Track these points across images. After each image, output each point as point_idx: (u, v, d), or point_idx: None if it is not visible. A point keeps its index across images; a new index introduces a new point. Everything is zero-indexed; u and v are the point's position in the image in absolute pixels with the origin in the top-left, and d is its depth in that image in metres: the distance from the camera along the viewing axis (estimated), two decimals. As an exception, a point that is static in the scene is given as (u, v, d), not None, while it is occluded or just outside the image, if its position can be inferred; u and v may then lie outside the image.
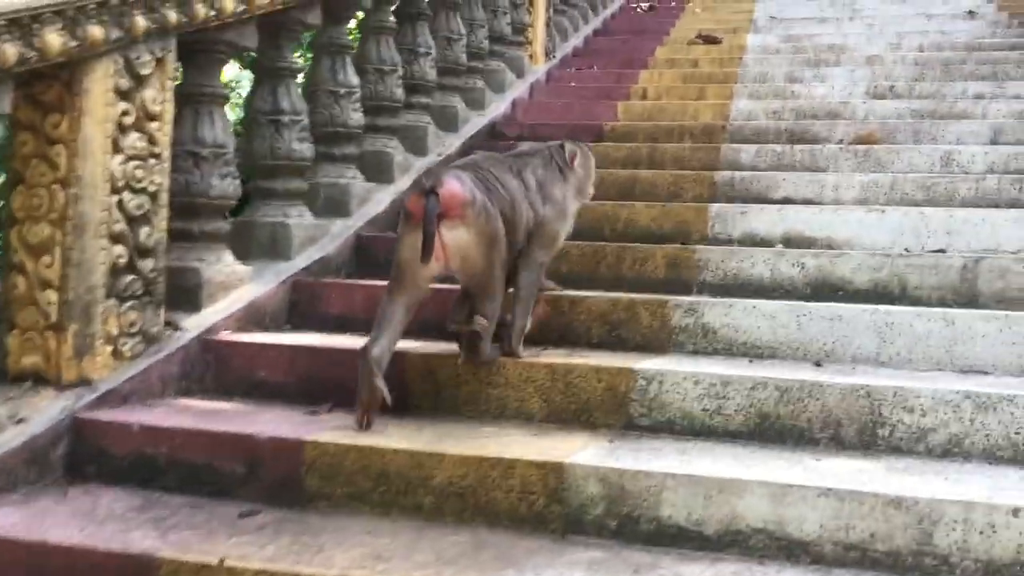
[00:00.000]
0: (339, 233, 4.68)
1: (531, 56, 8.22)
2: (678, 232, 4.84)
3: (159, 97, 3.52)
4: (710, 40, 9.10)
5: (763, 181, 5.23)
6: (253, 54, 4.47)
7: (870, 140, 5.71)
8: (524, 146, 4.18)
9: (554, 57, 8.57)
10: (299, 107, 4.48)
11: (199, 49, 3.93)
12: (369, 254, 4.74)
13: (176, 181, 3.86)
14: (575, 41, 9.31)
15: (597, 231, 4.93)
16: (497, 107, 6.92)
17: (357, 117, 4.98)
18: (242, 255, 4.25)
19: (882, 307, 3.70)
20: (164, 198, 3.60)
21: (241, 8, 3.86)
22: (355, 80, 4.99)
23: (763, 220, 4.76)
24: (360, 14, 5.47)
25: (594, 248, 4.47)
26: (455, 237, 3.21)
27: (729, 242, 4.76)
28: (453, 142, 6.12)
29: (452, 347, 3.64)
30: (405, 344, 3.71)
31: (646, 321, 3.88)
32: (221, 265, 3.96)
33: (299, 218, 4.45)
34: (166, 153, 3.59)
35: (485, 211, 3.26)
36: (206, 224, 3.96)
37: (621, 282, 4.41)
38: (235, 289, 3.99)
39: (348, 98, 4.94)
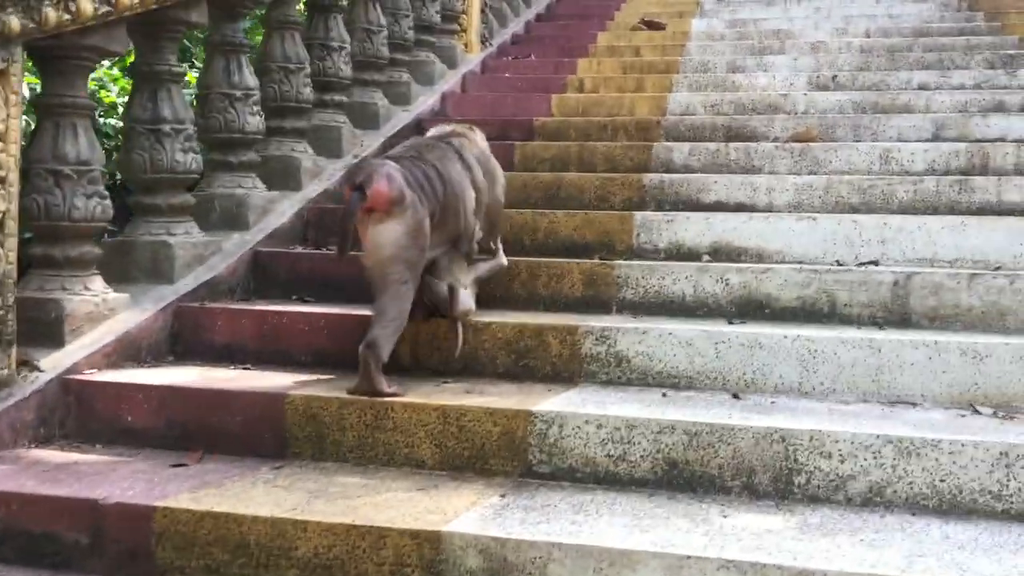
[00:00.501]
0: (233, 250, 4.32)
1: (466, 45, 7.86)
2: (601, 243, 4.54)
3: (0, 114, 3.15)
4: (653, 26, 8.79)
5: (694, 184, 4.93)
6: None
7: (807, 138, 5.43)
8: (441, 128, 4.08)
9: (491, 45, 8.22)
10: (182, 115, 4.11)
11: (58, 56, 3.55)
12: (269, 272, 4.39)
13: (34, 203, 3.50)
14: (515, 27, 8.97)
15: (516, 242, 4.62)
16: (425, 101, 6.57)
17: (255, 121, 4.62)
18: (120, 279, 3.90)
19: (805, 332, 3.42)
20: (11, 226, 3.23)
21: (104, 10, 3.48)
22: (252, 81, 4.63)
23: (690, 229, 4.46)
24: (260, 10, 5.07)
25: (509, 264, 4.15)
26: (379, 230, 3.26)
27: (655, 252, 4.47)
28: (373, 142, 5.77)
29: (339, 386, 3.32)
30: (284, 380, 3.39)
31: (555, 349, 3.57)
32: (88, 294, 3.60)
33: (185, 236, 4.10)
34: (12, 176, 3.22)
35: (412, 207, 3.29)
36: (71, 249, 3.60)
37: (536, 301, 4.11)
38: (105, 320, 3.63)
39: (245, 101, 4.58)
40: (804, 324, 3.77)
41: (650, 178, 5.01)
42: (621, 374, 3.52)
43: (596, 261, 4.11)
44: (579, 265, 4.09)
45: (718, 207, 4.85)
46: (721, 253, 4.40)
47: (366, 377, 3.21)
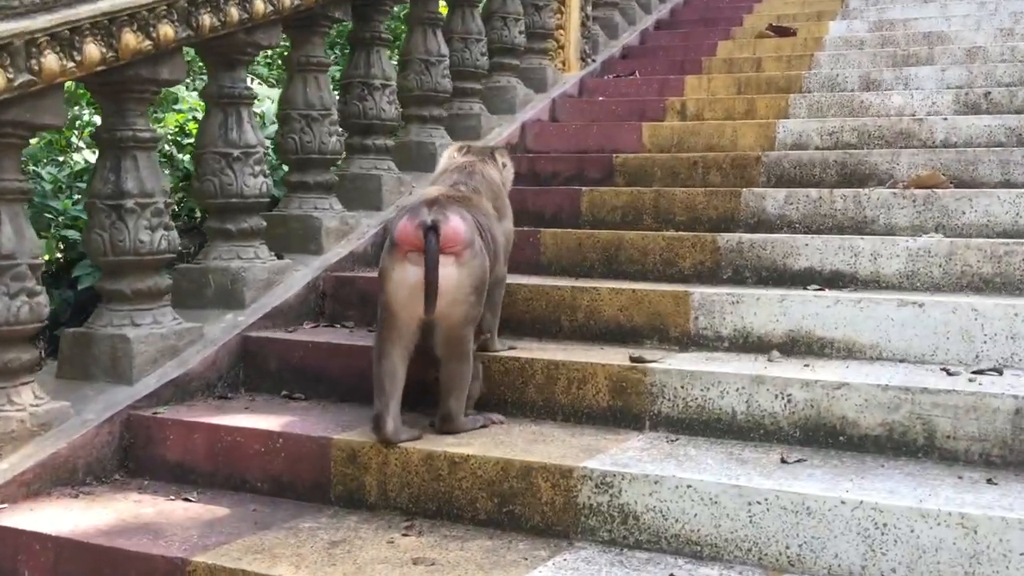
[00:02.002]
0: (218, 337, 3.76)
1: (563, 63, 7.10)
2: (652, 327, 3.72)
3: None
4: (782, 32, 7.73)
5: (780, 246, 4.01)
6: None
7: (931, 183, 4.39)
8: (456, 161, 3.60)
9: (593, 62, 7.41)
10: (148, 187, 3.57)
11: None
12: (258, 362, 3.81)
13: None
14: (629, 38, 8.10)
15: (551, 321, 3.87)
16: (500, 134, 5.85)
17: (257, 183, 4.05)
18: (81, 378, 3.42)
19: (871, 499, 2.50)
20: None
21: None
22: (253, 139, 4.07)
23: (760, 313, 3.57)
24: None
25: (521, 364, 3.40)
26: (448, 275, 2.91)
27: (717, 341, 3.61)
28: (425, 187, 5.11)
29: (273, 544, 2.68)
30: (207, 529, 2.76)
31: (546, 495, 2.80)
32: (11, 409, 3.10)
33: (152, 326, 3.56)
34: None
35: (481, 255, 3.03)
36: (-6, 356, 3.10)
37: (553, 410, 3.36)
38: (33, 439, 3.13)
39: (245, 160, 4.02)
40: (892, 457, 2.86)
41: (727, 239, 4.12)
42: (627, 533, 2.71)
43: (626, 364, 3.29)
44: (604, 368, 3.29)
45: (808, 277, 3.92)
46: (799, 344, 3.49)
47: None
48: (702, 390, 3.15)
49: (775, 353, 3.44)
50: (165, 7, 3.45)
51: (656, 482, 2.68)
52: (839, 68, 6.57)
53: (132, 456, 3.36)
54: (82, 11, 3.15)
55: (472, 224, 3.03)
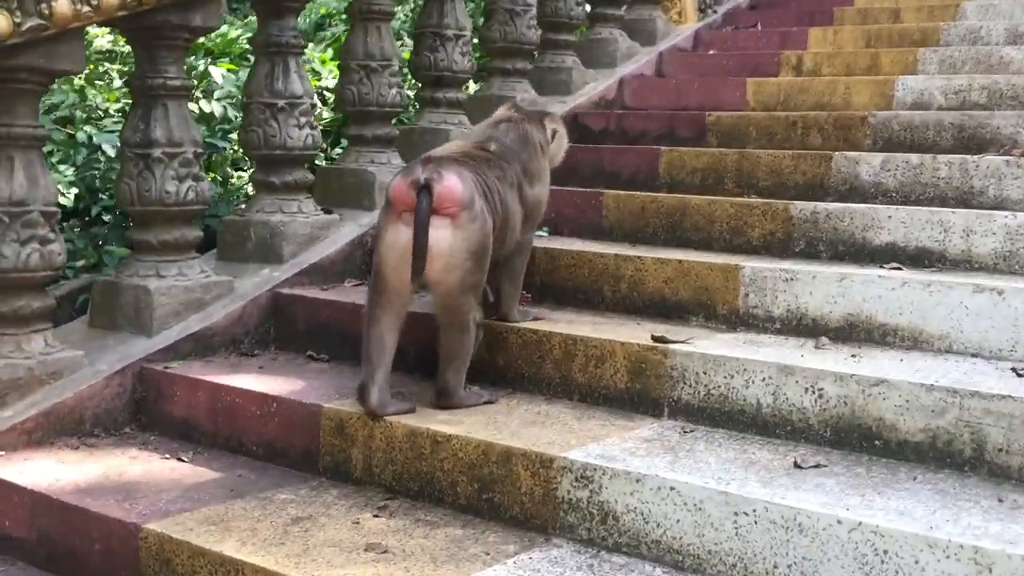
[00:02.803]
0: (247, 292, 3.68)
1: (678, 14, 6.70)
2: (698, 303, 3.39)
3: None
4: (930, -21, 6.99)
5: (860, 218, 3.58)
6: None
7: (1051, 152, 3.82)
8: (502, 114, 3.33)
9: (714, 12, 6.95)
10: (177, 137, 3.50)
11: None
12: (287, 319, 3.71)
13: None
14: (764, -17, 7.52)
15: (594, 291, 3.60)
16: (593, 88, 5.54)
17: (302, 134, 3.93)
18: (108, 328, 3.42)
19: (872, 521, 2.14)
20: None
21: None
22: (299, 89, 3.96)
23: (816, 293, 3.18)
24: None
25: (539, 337, 3.16)
26: (440, 239, 2.68)
27: (768, 321, 3.25)
28: (502, 144, 4.88)
29: (236, 516, 2.57)
30: (181, 494, 2.68)
31: (525, 485, 2.57)
32: (19, 356, 3.11)
33: (176, 278, 3.51)
34: None
35: (482, 217, 2.78)
36: (2, 304, 3.10)
37: (569, 388, 3.11)
38: (41, 387, 3.13)
39: (290, 111, 3.91)
40: (932, 468, 2.48)
41: (801, 208, 3.71)
42: (606, 534, 2.45)
43: (646, 343, 2.98)
44: (623, 347, 3.00)
45: (890, 253, 3.49)
46: (857, 330, 3.10)
47: None
48: (726, 377, 2.83)
49: (824, 340, 3.06)
50: (195, -51, 3.33)
51: (638, 480, 2.40)
52: (985, 20, 5.87)
53: (144, 410, 3.33)
54: (98, -47, 3.06)
55: (471, 184, 2.78)
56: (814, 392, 2.69)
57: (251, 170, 4.35)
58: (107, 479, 2.84)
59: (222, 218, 4.00)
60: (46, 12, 2.98)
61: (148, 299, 3.39)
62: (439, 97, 4.73)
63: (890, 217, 3.53)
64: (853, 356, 2.88)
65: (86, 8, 3.08)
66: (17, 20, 2.92)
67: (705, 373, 2.86)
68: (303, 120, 3.91)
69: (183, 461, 3.02)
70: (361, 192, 4.26)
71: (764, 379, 2.77)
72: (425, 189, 2.64)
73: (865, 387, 2.62)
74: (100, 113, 6.06)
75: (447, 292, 2.78)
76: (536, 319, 3.30)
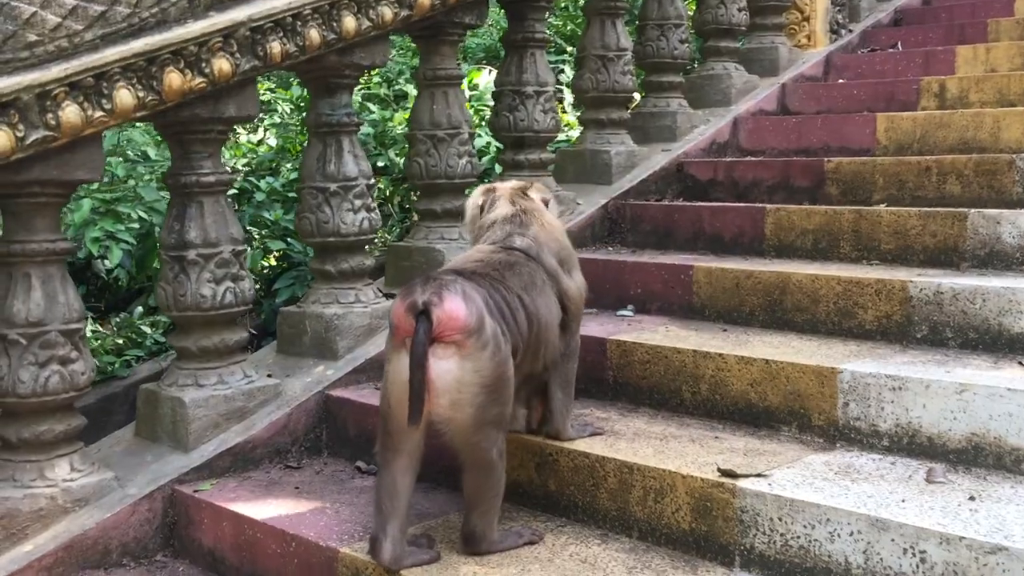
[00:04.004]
0: (296, 396, 3.42)
1: (806, 38, 6.12)
2: (789, 411, 2.89)
3: None
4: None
5: (992, 301, 2.98)
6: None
7: None
8: (498, 211, 2.85)
9: (848, 32, 6.30)
10: (212, 237, 3.27)
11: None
12: (338, 423, 3.42)
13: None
14: (906, -1, 6.82)
15: (671, 393, 3.14)
16: (702, 132, 5.05)
17: (355, 219, 3.66)
18: (146, 440, 3.24)
19: None
20: None
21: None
22: (353, 170, 3.66)
23: (932, 406, 2.62)
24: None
25: (591, 462, 2.73)
26: (446, 371, 2.30)
27: (873, 438, 2.72)
28: (597, 200, 4.49)
29: None
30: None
31: (549, 669, 2.15)
32: (41, 486, 2.93)
33: (214, 387, 3.28)
34: None
35: (494, 344, 2.36)
36: (19, 430, 2.94)
37: (627, 523, 2.67)
38: (64, 517, 2.95)
39: (344, 195, 3.64)
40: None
41: (922, 287, 3.13)
42: None
43: (711, 479, 2.50)
44: (685, 481, 2.53)
45: (1030, 344, 2.87)
46: (984, 455, 2.52)
47: None
48: (805, 527, 2.32)
49: (937, 469, 2.49)
50: (221, 39, 3.10)
51: None
52: None
53: (176, 535, 3.10)
54: (109, 55, 2.86)
55: (479, 304, 2.38)
56: (915, 555, 2.15)
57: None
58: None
59: (280, 310, 3.76)
60: (53, 123, 2.80)
61: (183, 412, 3.17)
62: (521, 160, 4.37)
63: (1035, 298, 2.91)
64: (971, 499, 2.31)
65: (99, 113, 2.89)
66: (20, 134, 2.74)
67: (780, 520, 2.36)
68: (358, 203, 3.63)
69: (199, 606, 2.75)
70: (429, 270, 3.93)
71: (852, 533, 2.25)
72: (424, 315, 2.27)
73: (979, 554, 2.06)
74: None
75: (460, 431, 2.39)
76: (595, 433, 2.87)
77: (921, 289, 3.12)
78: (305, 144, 3.77)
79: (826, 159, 4.38)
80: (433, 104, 3.99)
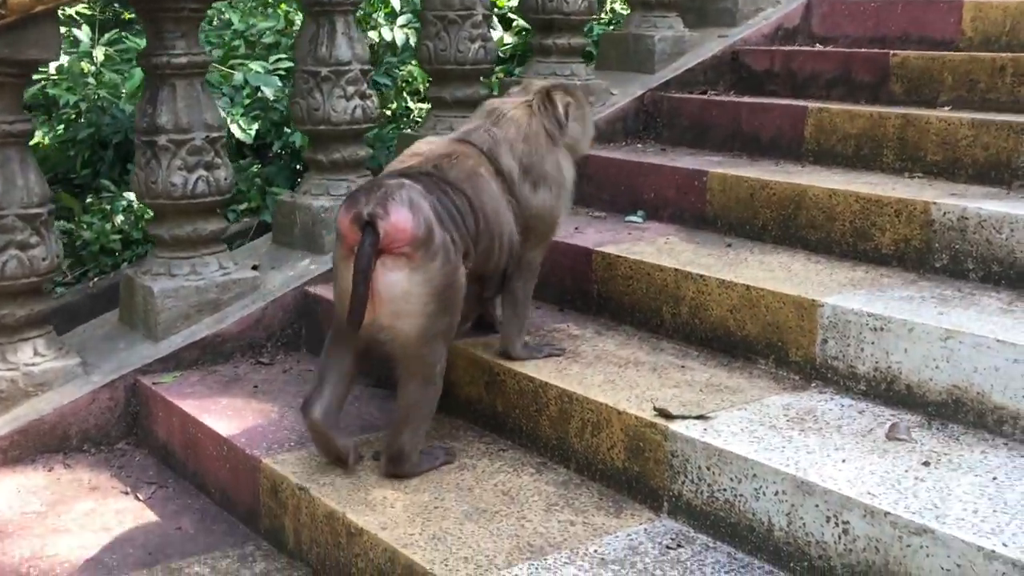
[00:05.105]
0: (273, 290, 3.33)
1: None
2: (767, 343, 2.62)
3: None
4: None
5: (1020, 231, 2.60)
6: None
7: None
8: (495, 102, 2.72)
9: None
10: (184, 122, 3.13)
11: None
12: (314, 319, 3.32)
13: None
14: None
15: (652, 312, 2.91)
16: (768, 16, 4.60)
17: (346, 106, 3.46)
18: (126, 327, 3.19)
19: None
20: None
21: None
22: (346, 54, 3.45)
23: (914, 351, 2.32)
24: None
25: (535, 388, 2.54)
26: (392, 284, 2.22)
27: (850, 379, 2.44)
28: (633, 90, 4.16)
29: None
30: None
31: (428, 610, 2.03)
32: (2, 368, 2.93)
33: (186, 278, 3.19)
34: None
35: (444, 254, 2.26)
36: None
37: (566, 454, 2.50)
38: (25, 401, 2.96)
39: (336, 80, 3.44)
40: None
41: (946, 211, 2.76)
42: None
43: (647, 419, 2.28)
44: (620, 417, 2.33)
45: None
46: (965, 410, 2.23)
47: None
48: (731, 480, 2.10)
49: (900, 425, 2.21)
50: (187, -93, 2.89)
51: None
52: None
53: (139, 425, 3.08)
54: (58, -75, 2.70)
55: (427, 213, 2.24)
56: (837, 525, 1.91)
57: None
58: (39, 516, 2.62)
59: (276, 199, 3.64)
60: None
61: (152, 301, 3.12)
62: (549, 44, 4.06)
63: (1070, 230, 2.51)
64: (925, 464, 2.03)
65: (49, -12, 2.75)
66: (-40, 11, 2.63)
67: (709, 469, 2.14)
68: (351, 90, 3.43)
69: (139, 500, 2.74)
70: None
71: (777, 493, 2.01)
72: (369, 226, 2.16)
73: (903, 534, 1.81)
74: (264, 44, 5.93)
75: (406, 342, 2.27)
76: (551, 355, 2.67)
77: (945, 213, 2.75)
78: (300, 28, 3.55)
79: (892, 52, 3.90)
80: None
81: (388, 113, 6.10)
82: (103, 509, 2.67)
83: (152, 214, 3.33)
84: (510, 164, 2.54)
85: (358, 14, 6.48)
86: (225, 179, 3.21)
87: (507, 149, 2.54)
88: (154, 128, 3.11)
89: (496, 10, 6.23)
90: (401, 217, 2.18)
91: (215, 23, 7.12)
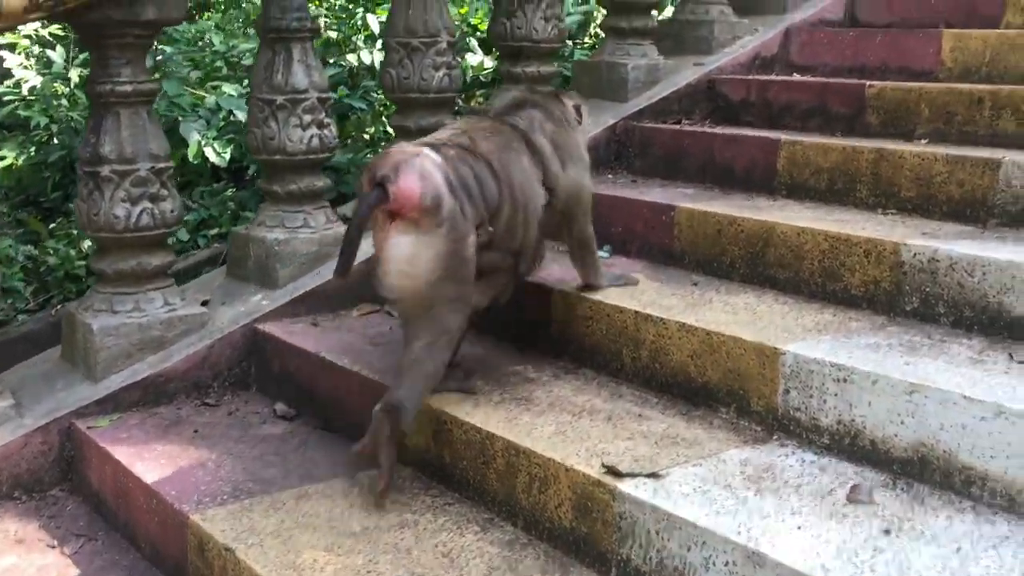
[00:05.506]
0: (223, 326, 3.20)
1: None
2: (728, 390, 2.50)
3: None
4: None
5: (992, 276, 2.48)
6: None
7: None
8: (507, 98, 2.92)
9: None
10: (129, 152, 3.00)
11: None
12: (265, 358, 3.19)
13: None
14: None
15: (612, 355, 2.78)
16: (745, 44, 4.50)
17: (303, 135, 3.34)
18: (68, 364, 3.06)
19: None
20: None
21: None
22: (303, 82, 3.33)
23: (878, 405, 2.19)
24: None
25: (482, 439, 2.41)
26: (399, 246, 2.34)
27: (813, 432, 2.31)
28: (605, 119, 4.05)
29: None
30: None
31: None
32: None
33: (128, 315, 3.06)
34: None
35: (450, 223, 2.35)
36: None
37: (513, 511, 2.36)
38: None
39: (292, 108, 3.32)
40: None
41: (916, 252, 2.64)
42: None
43: (595, 476, 2.15)
44: (568, 474, 2.19)
45: (1030, 330, 2.38)
46: (931, 469, 2.11)
47: (374, 443, 2.36)
48: (680, 547, 1.96)
49: (863, 487, 2.08)
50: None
51: None
52: None
53: (74, 471, 2.94)
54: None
55: (438, 182, 2.34)
56: (789, 600, 1.77)
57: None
58: None
59: (231, 230, 3.51)
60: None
61: (92, 339, 2.98)
62: (518, 72, 3.95)
63: (1045, 274, 2.39)
64: (886, 532, 1.90)
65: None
66: None
67: (658, 534, 2.01)
68: (307, 119, 3.31)
69: (65, 554, 2.60)
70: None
71: (727, 564, 1.88)
72: (380, 187, 2.28)
73: (858, 614, 1.67)
74: (244, 66, 5.85)
75: (411, 303, 2.42)
76: (626, 283, 2.94)
77: (915, 254, 2.63)
78: (257, 51, 3.43)
79: (868, 84, 3.80)
80: (409, 8, 3.59)
81: (366, 137, 6.01)
82: (25, 565, 2.53)
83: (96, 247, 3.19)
84: (542, 142, 2.65)
85: (337, 37, 6.42)
86: (171, 211, 3.08)
87: (539, 128, 2.68)
88: (97, 158, 2.99)
89: (478, 33, 6.14)
90: (410, 183, 2.29)
91: (199, 44, 7.05)
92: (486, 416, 2.46)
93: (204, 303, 3.27)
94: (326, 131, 3.36)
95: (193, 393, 3.09)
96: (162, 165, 3.05)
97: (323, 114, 3.35)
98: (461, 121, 2.74)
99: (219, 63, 6.21)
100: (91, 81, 3.00)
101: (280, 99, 3.28)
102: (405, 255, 2.32)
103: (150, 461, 2.65)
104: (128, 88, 2.98)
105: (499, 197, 2.48)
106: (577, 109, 2.87)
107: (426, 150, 2.40)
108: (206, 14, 9.99)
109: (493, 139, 2.55)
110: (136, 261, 3.06)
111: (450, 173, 2.37)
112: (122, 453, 2.70)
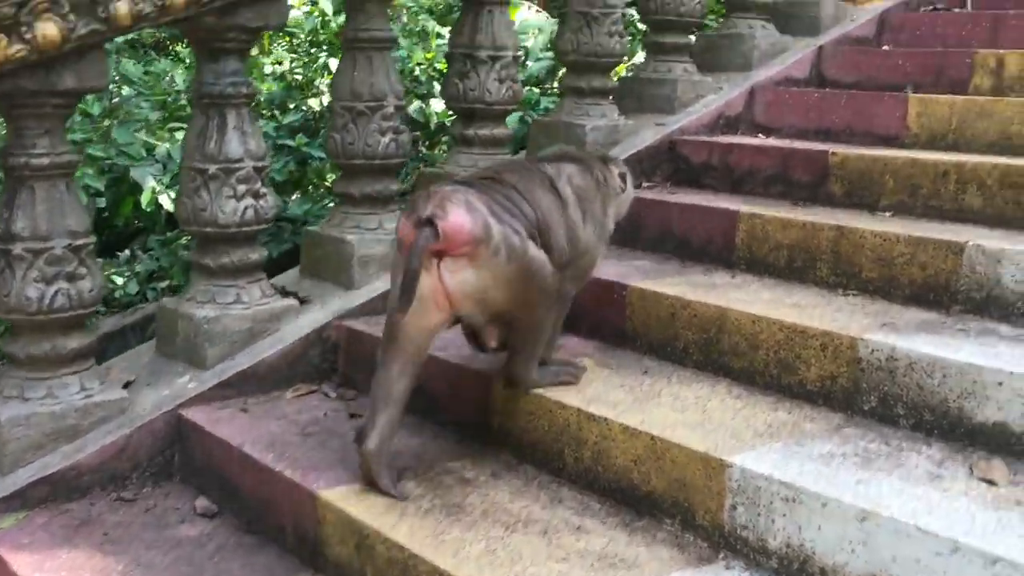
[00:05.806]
0: (144, 413, 3.00)
1: (862, -12, 5.25)
2: (673, 501, 2.33)
3: None
4: None
5: (953, 380, 2.33)
6: None
7: None
8: (552, 149, 3.05)
9: (915, -20, 5.40)
10: (44, 229, 2.82)
11: None
12: (188, 448, 2.99)
13: None
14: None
15: (554, 453, 2.61)
16: (708, 104, 4.37)
17: (235, 207, 3.17)
18: None
19: None
20: None
21: None
22: (237, 151, 3.15)
23: (828, 529, 2.03)
24: None
25: (404, 559, 2.23)
26: (461, 282, 2.34)
27: (760, 554, 2.14)
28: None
29: None
30: None
31: None
32: None
33: (40, 402, 2.85)
34: None
35: (506, 245, 2.36)
36: None
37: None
38: None
39: (225, 178, 3.15)
40: None
41: (874, 348, 2.48)
42: None
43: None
44: (490, 608, 2.01)
45: (1000, 437, 2.25)
46: (886, 606, 1.92)
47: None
48: None
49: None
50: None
51: None
52: None
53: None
54: None
55: (483, 212, 2.33)
56: None
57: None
58: None
59: (159, 303, 3.33)
60: None
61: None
62: (471, 135, 3.81)
63: (1000, 384, 2.24)
64: None
65: None
66: None
67: None
68: (241, 189, 3.14)
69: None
70: (338, 266, 3.45)
71: None
72: (429, 225, 2.26)
73: None
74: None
75: (499, 313, 2.45)
76: (564, 381, 2.70)
77: (873, 351, 2.48)
78: (190, 120, 3.26)
79: (831, 151, 3.67)
80: (355, 72, 3.44)
81: (327, 185, 5.88)
82: None
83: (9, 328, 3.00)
84: (566, 191, 2.61)
85: (301, 80, 6.28)
86: (90, 291, 2.89)
87: (567, 178, 2.64)
88: (9, 236, 2.80)
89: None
90: (458, 217, 2.28)
91: (164, 80, 6.91)
92: (411, 531, 2.27)
93: (127, 385, 3.08)
94: (262, 202, 3.19)
95: (109, 486, 2.89)
96: (81, 242, 2.87)
97: (259, 184, 3.18)
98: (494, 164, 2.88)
99: (183, 101, 6.06)
100: (5, 153, 2.82)
101: (213, 168, 3.11)
102: (471, 288, 2.34)
103: (51, 573, 2.44)
104: (45, 161, 2.80)
105: (535, 214, 2.48)
106: (623, 177, 2.84)
107: (460, 186, 2.41)
108: (176, 47, 9.85)
109: (518, 173, 2.57)
110: (51, 345, 2.87)
111: (490, 202, 2.38)
112: (21, 562, 2.49)
